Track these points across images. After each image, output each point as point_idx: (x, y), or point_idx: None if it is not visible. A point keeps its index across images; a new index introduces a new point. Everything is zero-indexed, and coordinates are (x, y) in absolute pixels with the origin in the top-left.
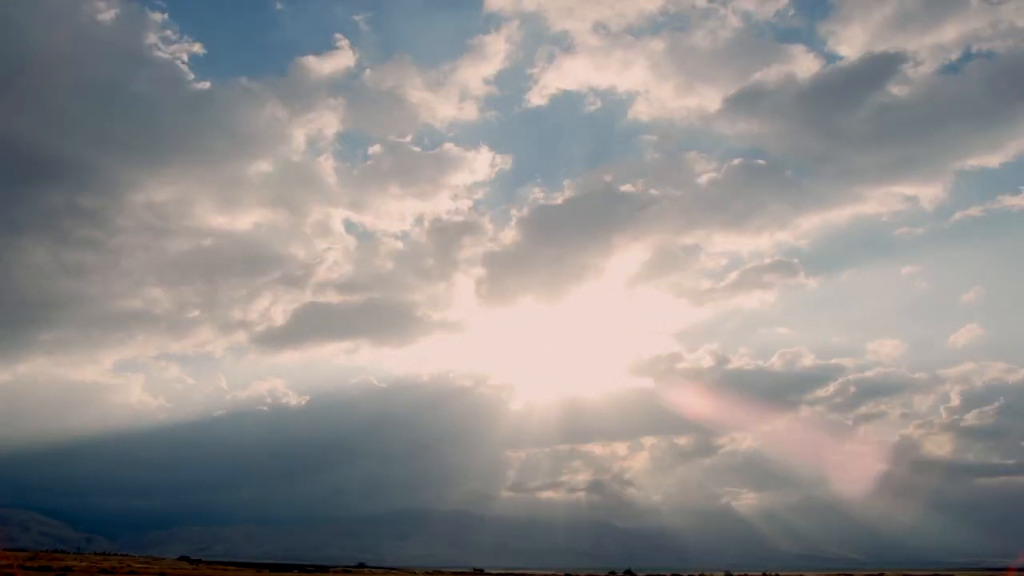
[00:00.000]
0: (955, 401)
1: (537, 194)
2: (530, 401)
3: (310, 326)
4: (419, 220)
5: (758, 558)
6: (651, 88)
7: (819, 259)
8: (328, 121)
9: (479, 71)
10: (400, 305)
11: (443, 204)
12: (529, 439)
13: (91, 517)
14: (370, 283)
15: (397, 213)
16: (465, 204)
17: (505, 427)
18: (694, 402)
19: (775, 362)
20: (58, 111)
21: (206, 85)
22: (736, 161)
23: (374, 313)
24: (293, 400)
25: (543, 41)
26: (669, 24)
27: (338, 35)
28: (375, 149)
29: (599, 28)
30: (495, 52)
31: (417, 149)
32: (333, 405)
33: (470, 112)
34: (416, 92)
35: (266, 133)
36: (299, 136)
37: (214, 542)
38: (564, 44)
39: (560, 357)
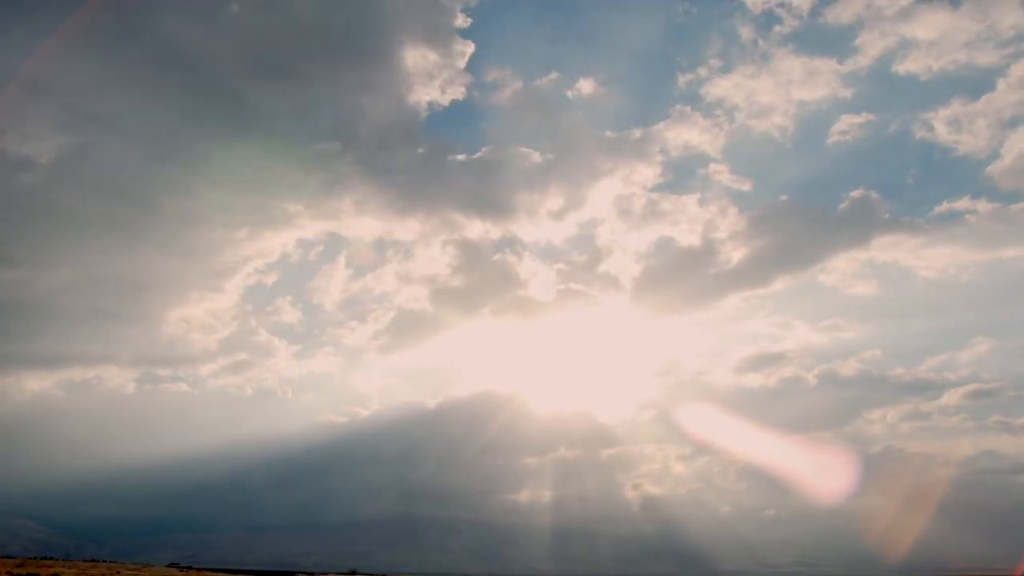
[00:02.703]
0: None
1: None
2: (544, 407)
3: None
4: None
5: (756, 563)
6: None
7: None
8: None
9: None
10: None
11: None
12: (534, 445)
13: (81, 524)
14: None
15: None
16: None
17: (512, 434)
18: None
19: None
20: None
21: None
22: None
23: None
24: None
25: None
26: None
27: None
28: None
29: None
30: None
31: None
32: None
33: None
34: None
35: None
36: None
37: (204, 549)
38: None
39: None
